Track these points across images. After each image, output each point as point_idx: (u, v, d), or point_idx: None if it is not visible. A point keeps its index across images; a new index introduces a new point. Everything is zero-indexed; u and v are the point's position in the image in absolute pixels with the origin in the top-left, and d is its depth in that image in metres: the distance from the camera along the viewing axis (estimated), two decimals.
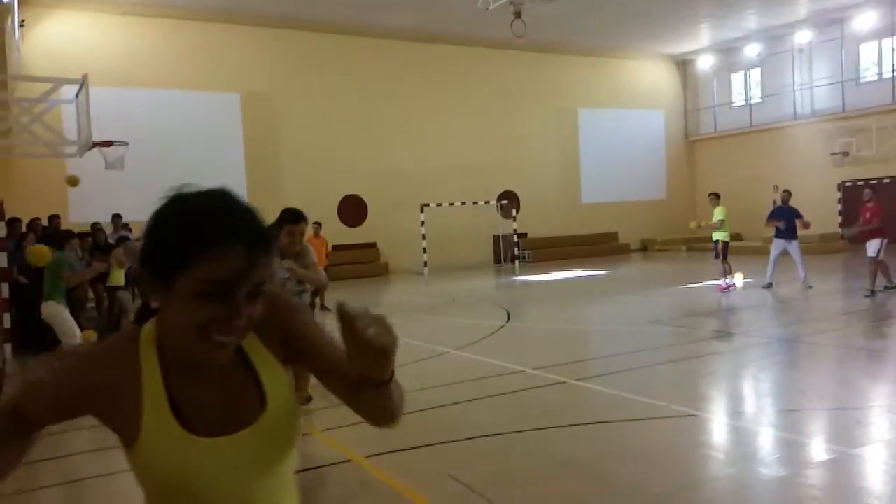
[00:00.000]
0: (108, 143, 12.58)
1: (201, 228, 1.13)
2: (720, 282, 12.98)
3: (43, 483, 4.91)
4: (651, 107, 28.62)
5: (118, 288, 10.68)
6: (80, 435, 5.94)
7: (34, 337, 9.88)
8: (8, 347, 9.49)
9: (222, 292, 1.11)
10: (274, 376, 1.28)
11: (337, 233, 19.87)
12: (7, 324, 9.46)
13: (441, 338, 9.39)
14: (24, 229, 11.50)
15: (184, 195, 1.22)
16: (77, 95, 11.61)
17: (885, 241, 11.62)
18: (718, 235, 13.11)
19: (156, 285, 1.15)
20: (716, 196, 13.38)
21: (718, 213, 13.07)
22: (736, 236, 25.65)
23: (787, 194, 13.29)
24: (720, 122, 28.22)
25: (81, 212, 15.27)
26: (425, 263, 21.50)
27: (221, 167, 20.49)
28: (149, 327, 1.23)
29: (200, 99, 20.25)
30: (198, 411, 1.20)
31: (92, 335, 10.30)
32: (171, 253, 1.12)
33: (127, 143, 13.30)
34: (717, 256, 13.15)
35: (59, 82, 11.47)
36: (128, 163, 13.96)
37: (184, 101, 19.97)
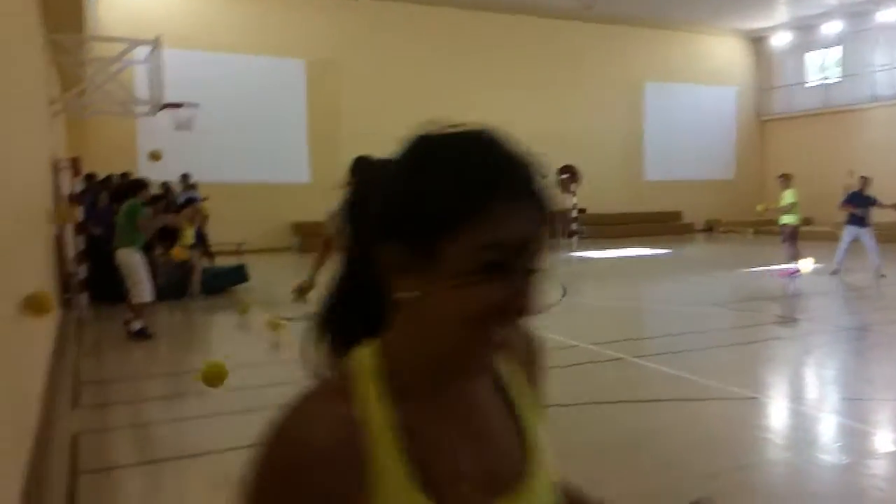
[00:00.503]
0: (179, 105, 12.91)
1: (483, 176, 0.79)
2: (786, 266, 12.61)
3: (116, 424, 5.17)
4: (722, 83, 27.70)
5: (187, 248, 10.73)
6: (154, 383, 6.23)
7: (109, 288, 10.30)
8: (84, 297, 9.95)
9: (503, 265, 0.76)
10: (536, 423, 0.93)
11: None
12: (83, 275, 9.91)
13: None
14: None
15: (443, 135, 0.90)
16: (150, 57, 11.92)
17: None
18: (788, 219, 12.66)
19: (411, 264, 0.77)
20: (786, 178, 12.90)
21: (788, 196, 12.62)
22: (806, 221, 24.82)
23: (864, 181, 12.74)
24: (795, 103, 27.14)
25: (151, 171, 15.75)
26: None
27: (285, 130, 20.87)
28: (364, 355, 0.83)
29: (267, 64, 20.54)
30: (449, 470, 0.80)
31: (184, 253, 10.40)
32: (437, 212, 0.76)
33: (197, 105, 13.63)
34: (784, 240, 12.75)
35: (133, 43, 11.77)
36: (197, 124, 14.31)
37: (251, 66, 20.29)
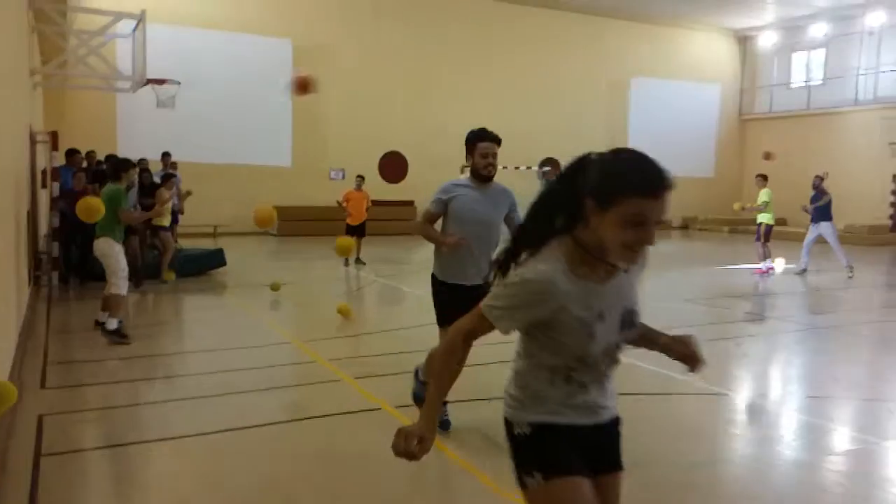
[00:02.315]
0: (162, 81, 12.72)
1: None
2: (759, 265, 12.77)
3: (83, 407, 5.12)
4: (706, 80, 27.87)
5: (161, 228, 10.47)
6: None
7: (78, 267, 10.13)
8: (55, 276, 9.81)
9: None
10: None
11: (376, 188, 19.93)
12: (55, 252, 9.75)
13: None
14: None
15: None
16: (134, 31, 11.73)
17: None
18: (762, 218, 12.85)
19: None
20: (763, 178, 13.12)
21: (763, 196, 12.81)
22: (781, 221, 25.09)
23: (819, 179, 13.00)
24: (776, 103, 27.39)
25: (130, 148, 15.56)
26: None
27: (269, 112, 20.67)
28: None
29: (253, 42, 20.31)
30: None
31: (171, 276, 10.37)
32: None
33: (179, 83, 13.45)
34: (758, 239, 12.92)
35: (117, 16, 11.57)
36: (178, 102, 14.12)
37: (236, 44, 20.05)
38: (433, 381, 2.00)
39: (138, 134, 17.82)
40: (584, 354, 1.86)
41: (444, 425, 4.39)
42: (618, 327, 1.90)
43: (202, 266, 11.58)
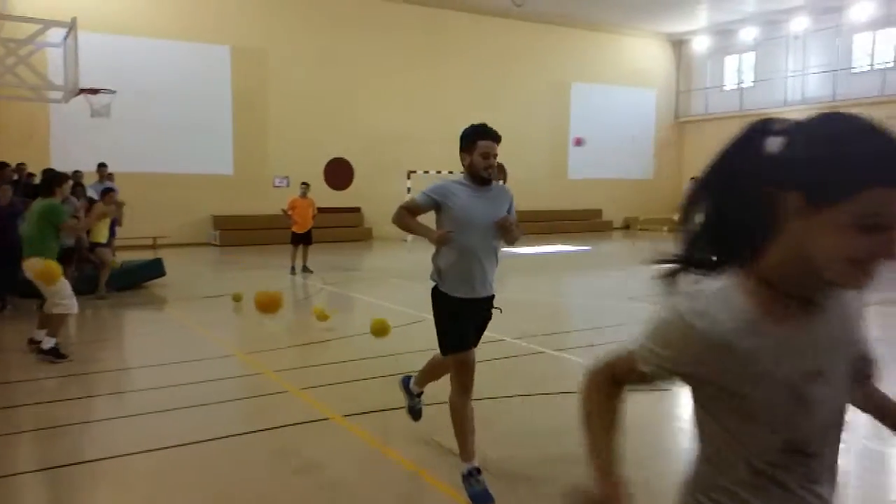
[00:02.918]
0: (95, 91, 12.38)
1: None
2: None
3: (19, 428, 4.93)
4: (643, 85, 28.56)
5: (98, 244, 10.07)
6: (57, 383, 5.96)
7: (10, 281, 9.70)
8: None
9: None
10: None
11: (321, 195, 19.75)
12: None
13: (423, 305, 9.41)
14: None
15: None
16: (65, 39, 11.38)
17: None
18: None
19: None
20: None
21: None
22: None
23: None
24: (711, 105, 28.25)
25: (65, 160, 15.06)
26: None
27: (208, 120, 20.29)
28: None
29: (190, 50, 19.93)
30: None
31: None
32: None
33: (114, 92, 13.10)
34: None
35: (46, 24, 11.22)
36: (114, 112, 13.75)
37: (173, 52, 19.64)
38: (587, 436, 1.52)
39: (73, 145, 17.27)
40: (797, 438, 1.23)
41: (415, 414, 4.36)
42: (845, 388, 1.29)
43: (139, 278, 11.29)
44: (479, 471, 3.57)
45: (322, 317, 8.32)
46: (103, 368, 6.60)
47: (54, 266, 6.32)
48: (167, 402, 5.30)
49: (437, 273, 3.80)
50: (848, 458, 4.31)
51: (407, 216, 3.79)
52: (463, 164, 3.79)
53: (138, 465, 4.14)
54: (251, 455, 4.32)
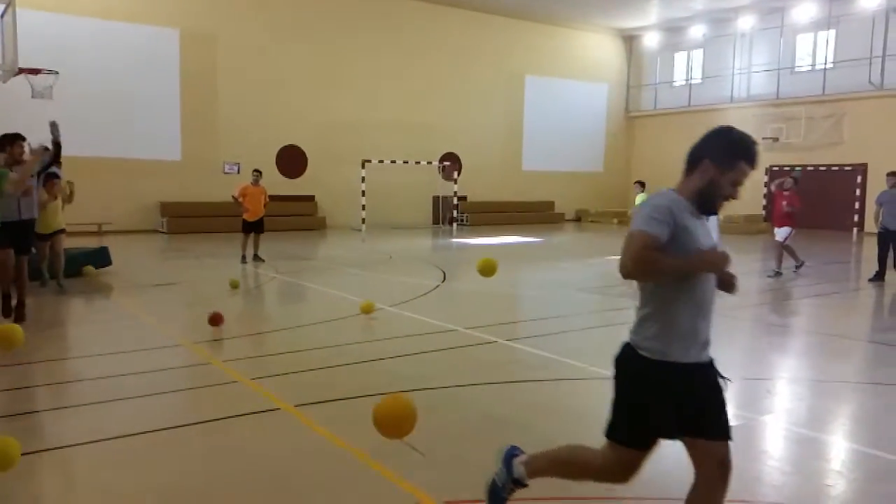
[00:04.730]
0: (36, 71, 11.96)
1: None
2: None
3: None
4: (596, 79, 28.94)
5: (55, 233, 9.57)
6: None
7: None
8: None
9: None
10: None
11: (274, 183, 19.53)
12: None
13: (376, 294, 9.43)
14: None
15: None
16: (2, 16, 10.95)
17: (794, 230, 12.37)
18: None
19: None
20: (640, 184, 13.88)
21: (640, 199, 13.51)
22: None
23: None
24: (660, 100, 28.79)
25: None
26: (363, 220, 21.40)
27: (155, 104, 19.81)
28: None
29: (138, 32, 19.41)
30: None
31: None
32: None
33: (57, 73, 12.67)
34: None
35: None
36: (57, 94, 13.30)
37: (120, 34, 19.11)
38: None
39: (12, 127, 16.56)
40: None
41: (497, 501, 3.13)
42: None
43: (84, 266, 10.97)
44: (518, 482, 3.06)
45: (368, 309, 7.88)
46: (46, 357, 6.42)
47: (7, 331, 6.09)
48: (111, 392, 5.20)
49: (656, 328, 2.65)
50: (782, 444, 4.50)
51: (655, 257, 2.53)
52: (689, 178, 2.73)
53: (81, 456, 4.05)
54: (198, 446, 4.27)
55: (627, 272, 2.52)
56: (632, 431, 2.74)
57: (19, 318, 7.37)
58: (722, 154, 2.64)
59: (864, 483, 3.86)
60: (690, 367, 2.61)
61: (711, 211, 2.75)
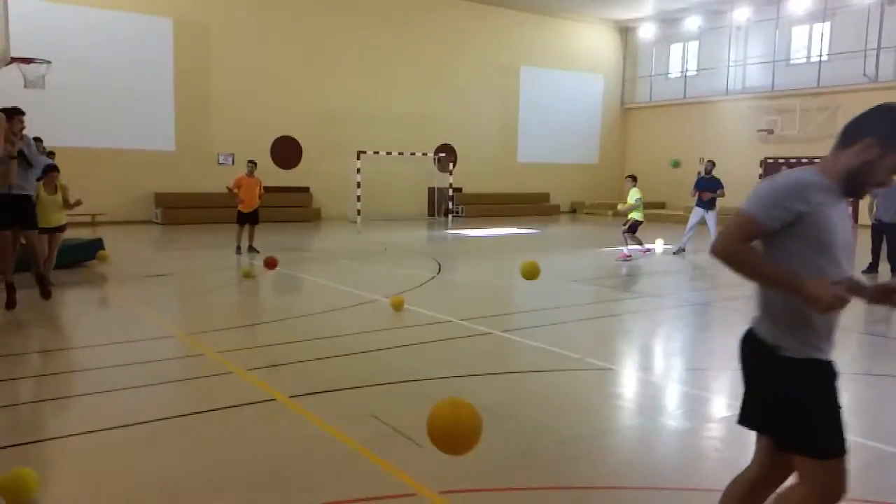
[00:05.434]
0: (29, 60, 11.88)
1: None
2: (623, 250, 13.38)
3: None
4: (591, 71, 28.89)
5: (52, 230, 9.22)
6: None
7: None
8: None
9: None
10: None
11: (269, 174, 19.47)
12: None
13: (371, 286, 9.43)
14: None
15: None
16: None
17: None
18: (634, 215, 13.51)
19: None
20: (632, 178, 13.86)
21: (634, 194, 13.45)
22: (659, 205, 26.52)
23: (711, 164, 13.88)
24: (656, 92, 28.77)
25: None
26: (358, 212, 21.36)
27: (148, 94, 19.72)
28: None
29: (131, 21, 19.28)
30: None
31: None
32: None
33: (49, 62, 12.58)
34: (624, 232, 13.45)
35: None
36: (50, 83, 13.22)
37: (113, 22, 18.98)
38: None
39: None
40: None
41: None
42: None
43: (79, 257, 10.95)
44: None
45: (398, 305, 7.81)
46: (41, 348, 6.41)
47: None
48: (106, 383, 5.19)
49: (783, 317, 2.35)
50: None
51: (747, 257, 2.25)
52: (841, 155, 2.32)
53: (76, 447, 4.05)
54: (193, 436, 4.27)
55: (715, 255, 2.28)
56: (825, 435, 2.33)
57: (45, 294, 7.87)
58: (888, 130, 2.23)
59: (859, 472, 3.88)
60: (817, 364, 2.36)
61: (857, 196, 2.37)
